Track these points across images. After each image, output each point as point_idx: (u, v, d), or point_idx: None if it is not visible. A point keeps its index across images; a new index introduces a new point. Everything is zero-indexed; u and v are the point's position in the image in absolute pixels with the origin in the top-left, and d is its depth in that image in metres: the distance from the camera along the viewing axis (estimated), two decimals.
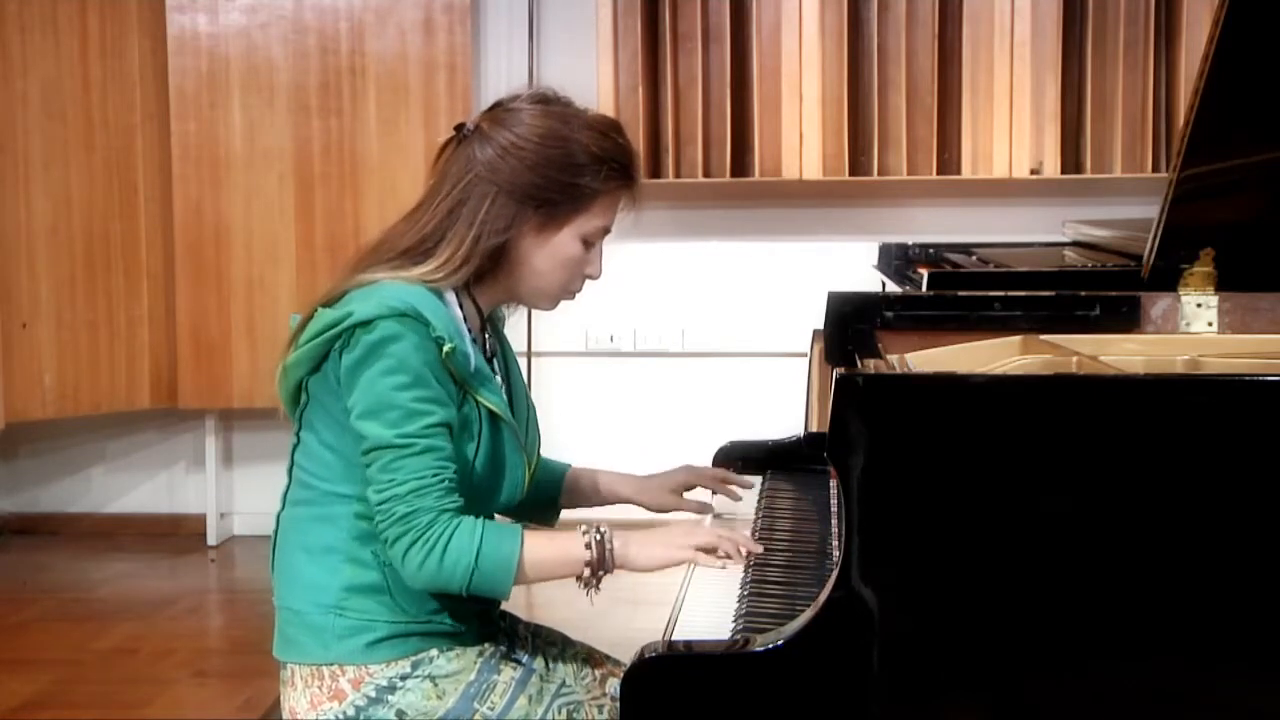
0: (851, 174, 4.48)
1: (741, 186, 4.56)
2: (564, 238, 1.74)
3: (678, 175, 4.52)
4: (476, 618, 1.76)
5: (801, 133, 4.44)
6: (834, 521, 1.68)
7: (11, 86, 4.37)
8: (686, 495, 2.03)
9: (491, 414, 1.73)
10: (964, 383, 1.43)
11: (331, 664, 1.70)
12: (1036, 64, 4.39)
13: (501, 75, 4.68)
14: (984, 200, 4.62)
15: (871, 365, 1.77)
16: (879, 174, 4.47)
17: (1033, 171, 4.41)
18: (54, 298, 4.49)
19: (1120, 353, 1.92)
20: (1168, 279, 2.13)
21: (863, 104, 4.49)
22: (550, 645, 1.91)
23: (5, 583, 4.47)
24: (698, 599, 1.65)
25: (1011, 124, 4.39)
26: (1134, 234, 2.78)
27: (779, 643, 1.39)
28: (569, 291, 1.80)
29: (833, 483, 1.66)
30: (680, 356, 4.80)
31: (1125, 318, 2.13)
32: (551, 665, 1.85)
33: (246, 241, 4.56)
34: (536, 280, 1.77)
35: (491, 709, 1.69)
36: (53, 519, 5.00)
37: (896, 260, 3.62)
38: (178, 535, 4.92)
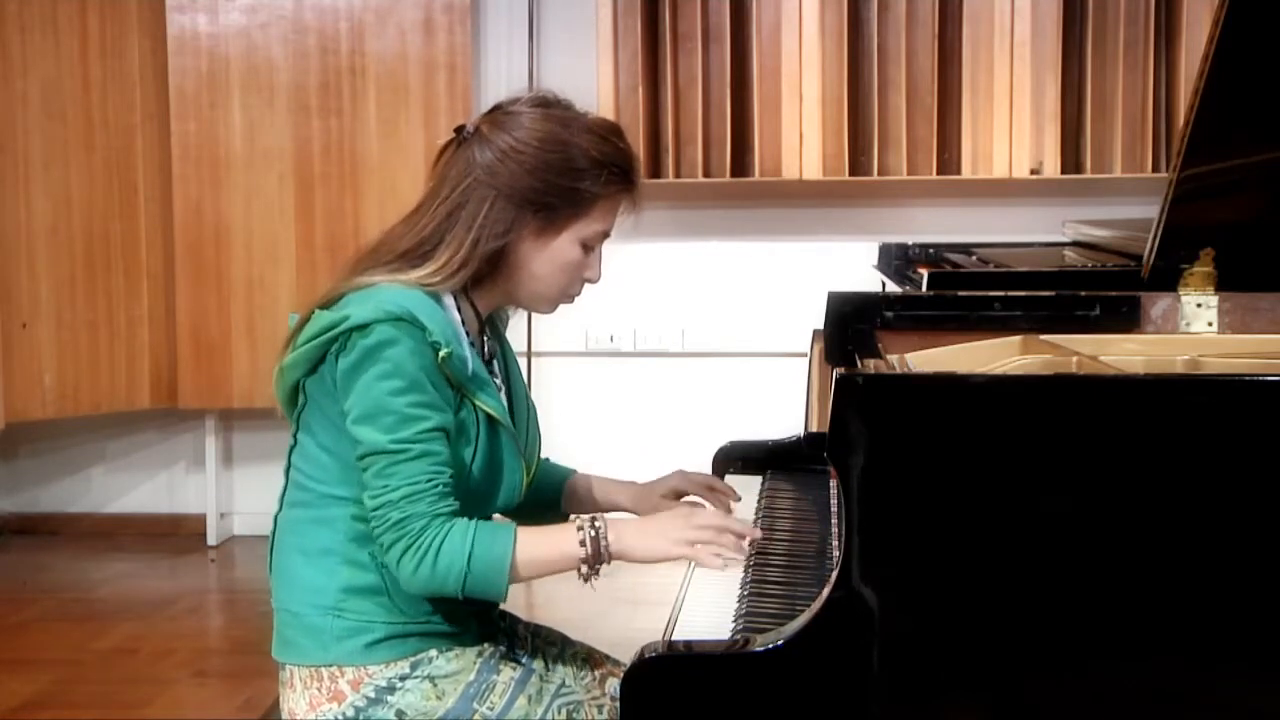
0: (851, 174, 4.48)
1: (741, 186, 4.56)
2: (563, 242, 1.74)
3: (678, 175, 4.52)
4: (475, 618, 1.76)
5: (801, 133, 4.44)
6: (834, 521, 1.68)
7: (11, 86, 4.38)
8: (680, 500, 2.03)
9: (489, 418, 1.72)
10: (964, 383, 1.43)
11: (330, 665, 1.70)
12: (1036, 64, 4.38)
13: (501, 75, 4.67)
14: (984, 200, 4.62)
15: (871, 365, 1.77)
16: (879, 174, 4.47)
17: (1033, 171, 4.41)
18: (54, 298, 4.49)
19: (1120, 353, 1.92)
20: (1168, 279, 2.13)
21: (863, 104, 4.49)
22: (550, 645, 1.91)
23: (5, 583, 4.47)
24: (698, 599, 1.65)
25: (1011, 124, 4.39)
26: (1134, 234, 2.78)
27: (779, 643, 1.39)
28: (568, 295, 1.80)
29: (833, 483, 1.66)
30: (680, 356, 4.80)
31: (1125, 318, 2.13)
32: (551, 665, 1.85)
33: (246, 241, 4.56)
34: (535, 284, 1.77)
35: (491, 709, 1.69)
36: (53, 519, 5.00)
37: (896, 260, 3.62)
38: (178, 535, 4.93)
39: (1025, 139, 4.39)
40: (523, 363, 1.86)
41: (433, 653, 1.71)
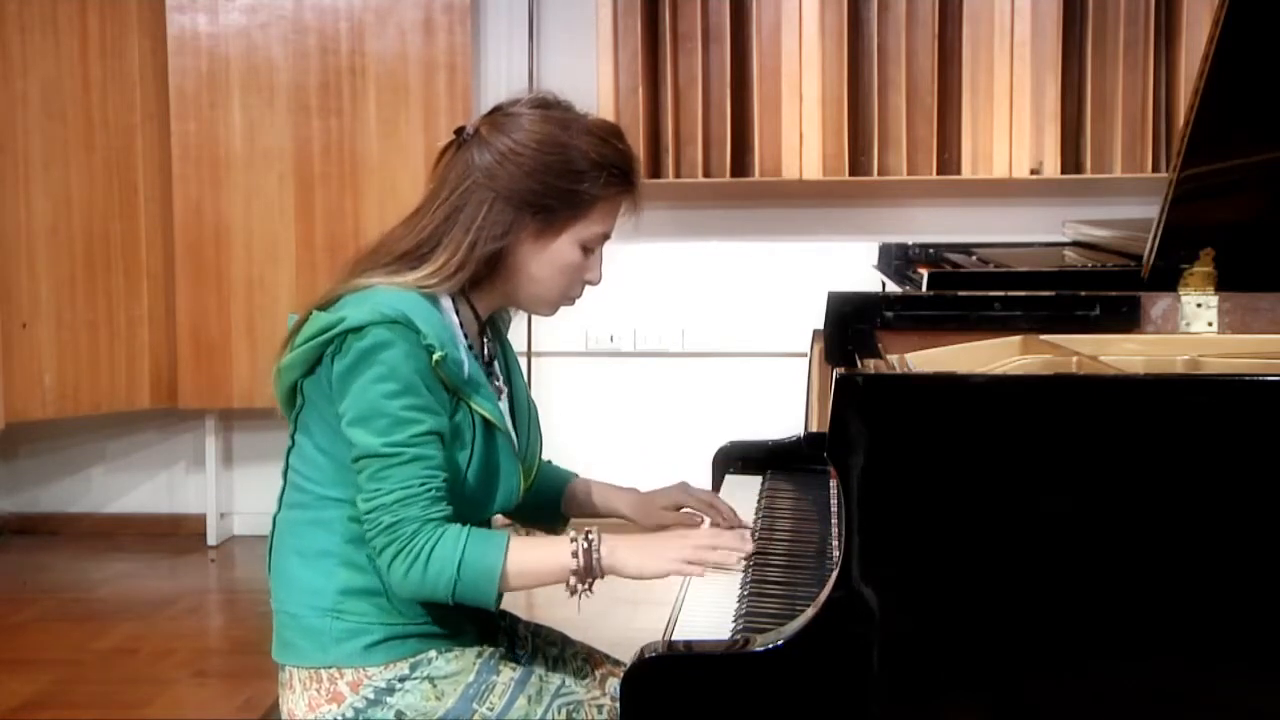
0: (851, 174, 4.48)
1: (741, 186, 4.56)
2: (562, 244, 1.73)
3: (678, 175, 4.52)
4: (473, 620, 1.76)
5: (801, 133, 4.44)
6: (834, 521, 1.68)
7: (11, 86, 4.38)
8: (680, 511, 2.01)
9: (485, 421, 1.72)
10: (964, 383, 1.43)
11: (330, 667, 1.70)
12: (1036, 64, 4.39)
13: (501, 75, 4.68)
14: (984, 200, 4.62)
15: (871, 365, 1.77)
16: (879, 174, 4.47)
17: (1033, 171, 4.41)
18: (54, 298, 4.49)
19: (1120, 353, 1.92)
20: (1168, 279, 2.13)
21: (863, 104, 4.49)
22: (550, 645, 1.91)
23: (5, 583, 4.47)
24: (698, 599, 1.65)
25: (1011, 124, 4.39)
26: (1134, 234, 2.78)
27: (779, 643, 1.39)
28: (568, 297, 1.79)
29: (833, 483, 1.66)
30: (680, 356, 4.80)
31: (1125, 318, 2.13)
32: (551, 665, 1.85)
33: (246, 241, 4.56)
34: (534, 287, 1.76)
35: (491, 709, 1.69)
36: (53, 519, 5.00)
37: (896, 260, 3.62)
38: (178, 535, 4.93)
39: (1025, 139, 4.39)
40: (523, 363, 1.85)
41: (432, 653, 1.71)
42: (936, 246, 3.64)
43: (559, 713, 1.72)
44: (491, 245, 1.71)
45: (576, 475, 2.03)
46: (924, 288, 2.75)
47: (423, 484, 1.62)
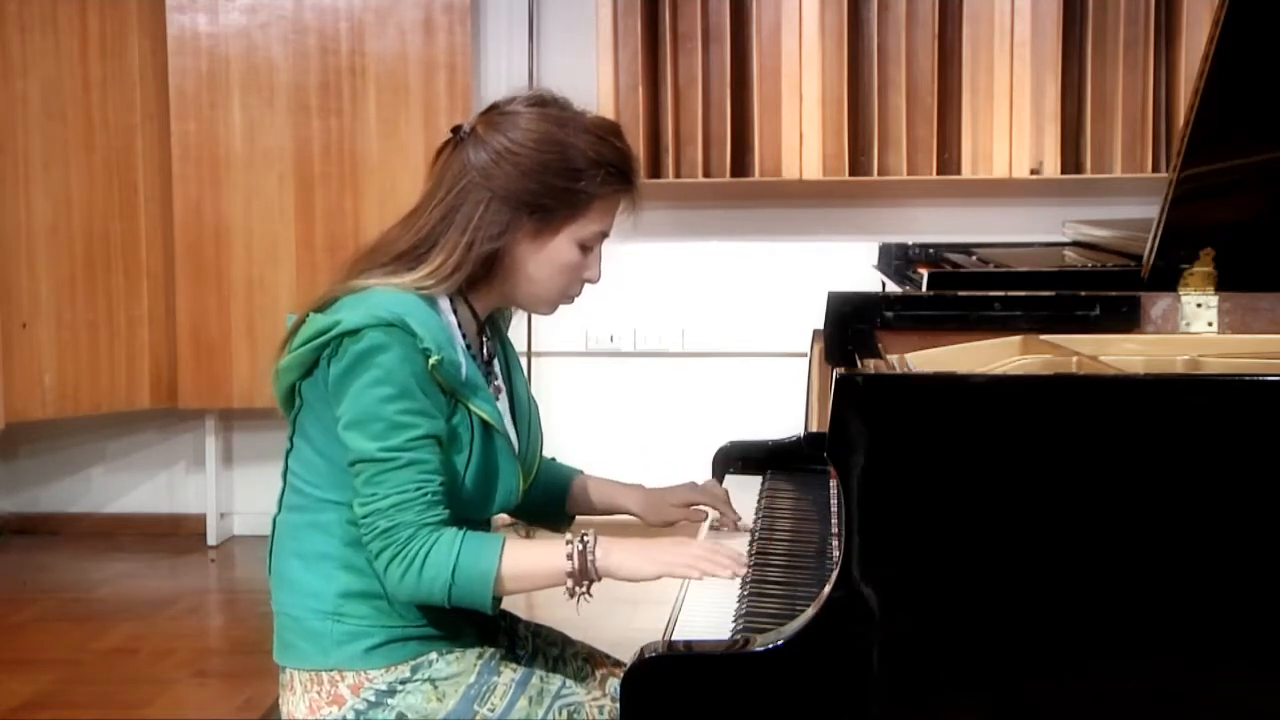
0: (851, 174, 4.48)
1: (741, 186, 4.56)
2: (560, 243, 1.73)
3: (678, 175, 4.52)
4: (474, 621, 1.75)
5: (801, 133, 4.44)
6: (834, 521, 1.68)
7: (11, 86, 4.37)
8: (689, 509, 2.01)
9: (484, 423, 1.72)
10: (964, 383, 1.43)
11: (330, 670, 1.70)
12: (1036, 64, 4.39)
13: (501, 75, 4.68)
14: (984, 200, 4.62)
15: (871, 365, 1.77)
16: (879, 174, 4.47)
17: (1033, 171, 4.41)
18: (54, 298, 4.49)
19: (1120, 353, 1.92)
20: (1168, 279, 2.13)
21: (863, 104, 4.49)
22: (550, 645, 1.91)
23: (5, 583, 4.47)
24: (698, 599, 1.65)
25: (1011, 124, 4.39)
26: (1134, 234, 2.78)
27: (779, 643, 1.39)
28: (567, 296, 1.79)
29: (833, 483, 1.66)
30: (680, 356, 4.80)
31: (1125, 318, 2.13)
32: (551, 666, 1.85)
33: (246, 241, 4.56)
34: (532, 286, 1.76)
35: (492, 710, 1.69)
36: (53, 519, 5.00)
37: (896, 260, 3.62)
38: (178, 535, 4.93)
39: (1025, 139, 4.39)
40: (523, 362, 1.85)
41: (433, 655, 1.71)
42: (936, 246, 3.64)
43: (560, 714, 1.72)
44: (488, 245, 1.70)
45: (581, 472, 2.02)
46: (924, 288, 2.75)
47: (418, 489, 1.62)
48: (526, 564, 1.65)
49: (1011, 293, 2.20)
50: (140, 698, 3.38)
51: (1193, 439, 1.35)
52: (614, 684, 1.81)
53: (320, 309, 1.70)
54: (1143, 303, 2.14)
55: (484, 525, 1.80)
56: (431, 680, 1.69)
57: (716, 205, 4.75)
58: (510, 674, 1.73)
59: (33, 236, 4.44)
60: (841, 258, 4.48)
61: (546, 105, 1.74)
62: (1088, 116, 4.40)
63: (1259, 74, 1.94)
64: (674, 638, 1.51)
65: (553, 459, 2.00)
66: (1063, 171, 4.41)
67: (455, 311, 1.74)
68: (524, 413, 1.88)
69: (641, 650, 1.43)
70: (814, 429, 2.26)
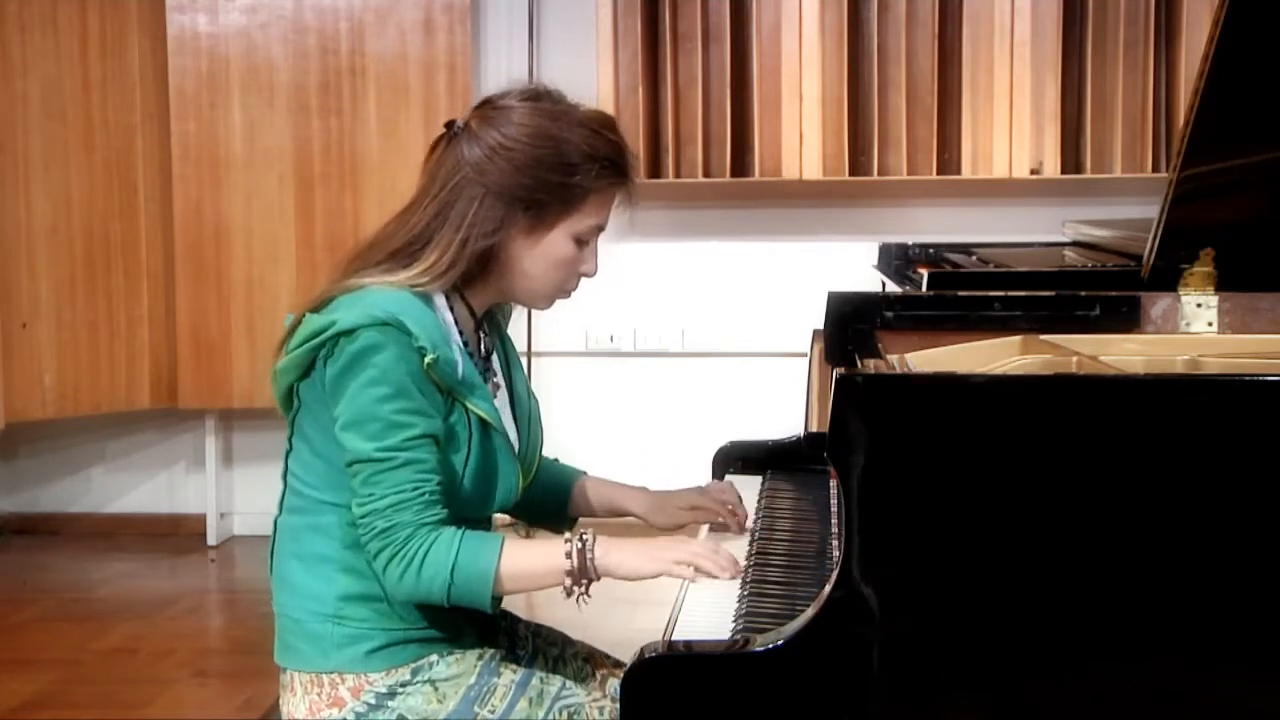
0: (851, 174, 4.48)
1: (741, 186, 4.56)
2: (555, 238, 1.72)
3: (678, 175, 4.52)
4: (473, 622, 1.75)
5: (801, 133, 4.44)
6: (834, 521, 1.68)
7: (11, 86, 4.37)
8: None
9: (482, 421, 1.71)
10: (964, 383, 1.43)
11: (331, 672, 1.70)
12: (1036, 64, 4.39)
13: (501, 75, 4.67)
14: (984, 200, 4.62)
15: (871, 365, 1.77)
16: (879, 174, 4.47)
17: (1033, 171, 4.41)
18: (54, 298, 4.49)
19: (1120, 353, 1.92)
20: (1168, 279, 2.13)
21: (863, 104, 4.49)
22: (550, 646, 1.90)
23: (5, 583, 4.47)
24: (698, 599, 1.65)
25: (1011, 124, 4.39)
26: (1134, 234, 2.78)
27: (779, 643, 1.39)
28: (564, 291, 1.78)
29: (833, 483, 1.66)
30: (680, 356, 4.80)
31: (1125, 318, 2.13)
32: (552, 666, 1.85)
33: (246, 241, 4.56)
34: (528, 281, 1.75)
35: (492, 712, 1.69)
36: (53, 519, 5.00)
37: (896, 260, 3.62)
38: (178, 535, 4.93)
39: (1025, 139, 4.39)
40: (523, 362, 1.85)
41: (433, 657, 1.71)
42: (936, 246, 3.64)
43: (560, 715, 1.71)
44: (483, 242, 1.69)
45: (584, 474, 2.02)
46: (924, 288, 2.75)
47: (416, 488, 1.61)
48: (525, 563, 1.65)
49: (1011, 293, 2.20)
50: (140, 698, 3.38)
51: (1193, 439, 1.35)
52: (614, 684, 1.81)
53: (316, 309, 1.69)
54: (1143, 303, 2.14)
55: (484, 524, 1.80)
56: (432, 682, 1.69)
57: (716, 205, 4.75)
58: (510, 675, 1.73)
59: (33, 236, 4.44)
60: (841, 258, 4.48)
61: (540, 99, 1.73)
62: (1088, 116, 4.40)
63: (1259, 74, 1.94)
64: (674, 638, 1.51)
65: (555, 460, 2.00)
66: (1063, 171, 4.41)
67: (451, 308, 1.74)
68: (523, 410, 1.87)
69: (641, 650, 1.43)
70: (814, 429, 2.26)
